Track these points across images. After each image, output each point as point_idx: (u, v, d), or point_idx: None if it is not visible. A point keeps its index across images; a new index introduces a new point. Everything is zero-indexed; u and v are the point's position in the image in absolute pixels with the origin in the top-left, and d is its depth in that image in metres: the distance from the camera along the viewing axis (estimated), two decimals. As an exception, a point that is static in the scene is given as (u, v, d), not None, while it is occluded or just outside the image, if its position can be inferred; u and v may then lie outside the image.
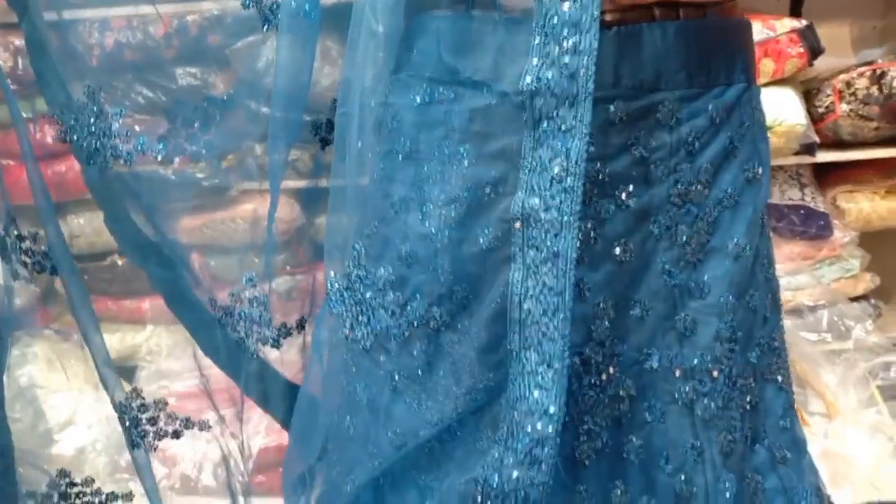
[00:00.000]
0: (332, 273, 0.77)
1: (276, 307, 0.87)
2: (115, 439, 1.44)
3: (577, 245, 0.64)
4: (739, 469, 0.75)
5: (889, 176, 1.72)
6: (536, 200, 0.65)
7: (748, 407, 0.76)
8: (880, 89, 1.57)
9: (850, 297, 1.71)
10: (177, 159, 0.86)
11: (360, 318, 0.74)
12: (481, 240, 0.70)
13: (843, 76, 1.61)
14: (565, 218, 0.64)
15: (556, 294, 0.65)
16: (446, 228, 0.71)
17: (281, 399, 0.89)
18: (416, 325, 0.73)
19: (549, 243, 0.65)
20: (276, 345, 0.85)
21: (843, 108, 1.59)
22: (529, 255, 0.66)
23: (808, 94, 1.65)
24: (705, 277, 0.74)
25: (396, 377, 0.74)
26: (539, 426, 0.64)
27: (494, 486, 0.65)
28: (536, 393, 0.66)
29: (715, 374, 0.74)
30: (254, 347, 0.85)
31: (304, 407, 0.81)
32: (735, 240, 0.74)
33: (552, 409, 0.65)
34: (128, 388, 0.85)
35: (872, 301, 1.75)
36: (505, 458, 0.65)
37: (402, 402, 0.74)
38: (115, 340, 1.63)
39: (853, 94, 1.59)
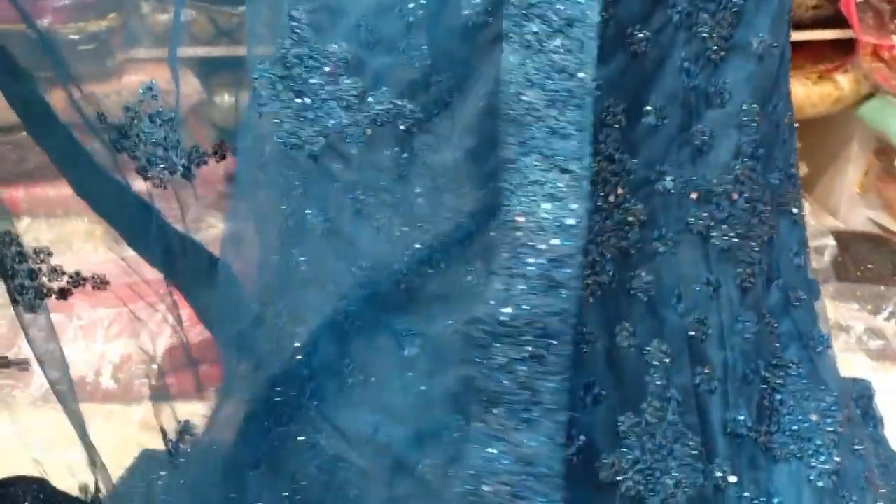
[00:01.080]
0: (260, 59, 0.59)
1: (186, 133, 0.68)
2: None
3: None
4: (757, 308, 0.66)
5: (821, 60, 1.67)
6: None
7: (766, 238, 0.67)
8: (824, -38, 1.51)
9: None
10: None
11: (303, 113, 0.58)
12: (466, 11, 0.55)
13: (787, -52, 1.53)
14: None
15: (569, 76, 0.51)
16: None
17: (208, 281, 0.68)
18: (378, 122, 0.57)
19: (560, 7, 0.50)
20: (188, 174, 0.66)
21: (787, -18, 1.52)
22: (531, 28, 0.51)
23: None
24: (726, 80, 0.62)
25: (359, 193, 0.58)
26: (556, 242, 0.51)
27: (506, 321, 0.51)
28: (548, 205, 0.52)
29: (734, 196, 0.64)
30: (161, 178, 0.65)
31: (234, 246, 0.64)
32: (760, 35, 0.63)
33: (570, 221, 0.51)
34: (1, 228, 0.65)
35: (798, 190, 1.73)
36: (511, 286, 0.52)
37: (369, 227, 0.58)
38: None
39: (797, -32, 1.52)
